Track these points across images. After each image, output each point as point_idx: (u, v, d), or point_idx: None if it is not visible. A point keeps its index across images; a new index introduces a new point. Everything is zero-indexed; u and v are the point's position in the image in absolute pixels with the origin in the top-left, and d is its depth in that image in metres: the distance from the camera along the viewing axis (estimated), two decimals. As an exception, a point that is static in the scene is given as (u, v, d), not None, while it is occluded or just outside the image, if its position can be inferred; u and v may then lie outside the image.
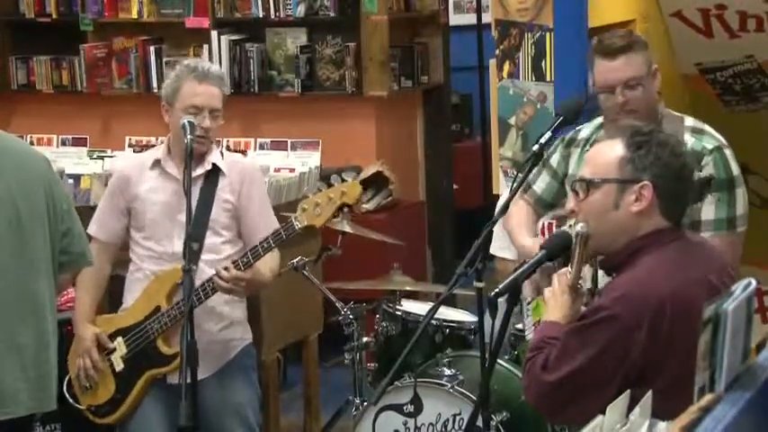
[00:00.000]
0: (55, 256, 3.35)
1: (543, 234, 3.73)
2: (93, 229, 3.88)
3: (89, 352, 3.80)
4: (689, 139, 3.32)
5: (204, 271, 3.71)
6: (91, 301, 3.87)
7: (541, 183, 3.63)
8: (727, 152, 3.38)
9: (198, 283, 3.61)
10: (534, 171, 3.63)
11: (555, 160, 3.61)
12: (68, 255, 3.41)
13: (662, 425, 1.78)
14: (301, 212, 3.60)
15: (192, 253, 3.61)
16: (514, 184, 3.09)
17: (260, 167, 4.32)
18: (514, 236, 3.55)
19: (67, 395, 3.85)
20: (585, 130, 3.57)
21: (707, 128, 3.45)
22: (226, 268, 3.65)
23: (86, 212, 3.99)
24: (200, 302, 3.65)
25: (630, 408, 1.85)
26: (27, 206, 3.27)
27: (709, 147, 3.36)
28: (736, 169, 3.38)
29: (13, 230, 3.25)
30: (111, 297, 4.03)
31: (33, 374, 3.28)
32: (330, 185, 3.63)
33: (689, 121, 3.47)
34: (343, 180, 3.67)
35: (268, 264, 3.78)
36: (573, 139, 3.57)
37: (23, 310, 3.27)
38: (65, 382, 3.84)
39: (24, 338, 3.26)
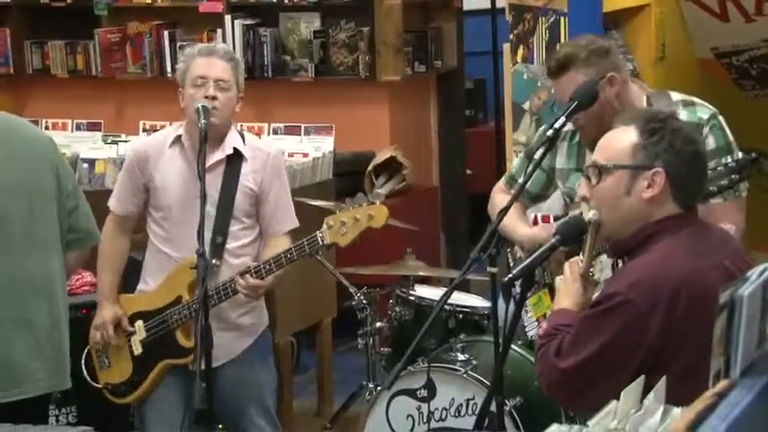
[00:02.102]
0: (63, 235, 3.37)
1: (536, 224, 3.72)
2: (112, 203, 3.88)
3: (105, 327, 3.81)
4: (682, 113, 3.32)
5: (225, 260, 3.71)
6: (113, 278, 3.87)
7: (526, 175, 3.60)
8: (720, 118, 3.41)
9: (218, 278, 3.61)
10: (517, 164, 3.64)
11: (539, 154, 3.57)
12: (75, 233, 3.43)
13: (676, 410, 1.78)
14: (327, 229, 3.60)
15: (216, 246, 3.61)
16: (529, 170, 3.08)
17: (281, 152, 4.29)
18: (510, 226, 3.52)
19: (85, 371, 3.86)
20: (570, 125, 3.49)
21: (696, 99, 3.46)
22: (244, 275, 3.63)
23: (101, 196, 3.99)
24: (219, 301, 3.65)
25: (645, 394, 1.84)
26: (36, 187, 3.29)
27: (705, 116, 3.38)
28: (730, 134, 3.39)
29: (23, 211, 3.26)
30: (125, 277, 4.02)
31: (48, 353, 3.30)
32: (359, 206, 3.60)
33: (676, 95, 3.46)
34: (371, 202, 3.65)
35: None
36: (558, 133, 3.53)
37: (36, 289, 3.28)
38: (83, 359, 3.85)
39: (37, 317, 3.28)
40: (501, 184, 3.74)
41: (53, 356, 3.32)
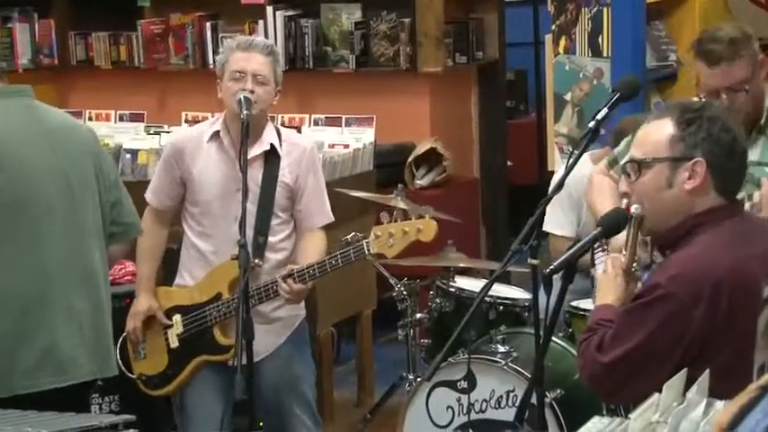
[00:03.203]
0: (105, 227, 3.40)
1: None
2: (148, 195, 3.89)
3: (136, 317, 3.83)
4: None
5: (266, 258, 3.71)
6: (150, 270, 3.89)
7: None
8: None
9: (259, 278, 3.62)
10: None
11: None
12: (119, 225, 3.46)
13: (719, 404, 1.76)
14: (374, 239, 3.59)
15: (258, 246, 3.61)
16: (570, 162, 3.06)
17: (316, 146, 4.29)
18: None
19: (119, 360, 3.88)
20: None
21: None
22: (286, 278, 3.63)
23: (144, 187, 4.01)
24: (260, 302, 3.66)
25: (687, 387, 1.83)
26: (77, 178, 3.33)
27: None
28: None
29: (65, 200, 3.30)
30: (164, 267, 4.04)
31: (91, 339, 3.33)
32: (407, 217, 3.59)
33: None
34: (420, 216, 3.63)
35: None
36: None
37: (78, 277, 3.32)
38: (118, 348, 3.87)
39: (80, 304, 3.31)
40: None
41: (96, 343, 3.35)
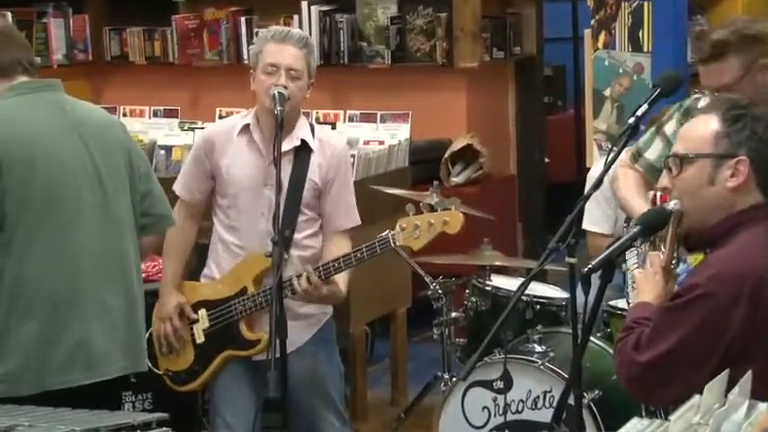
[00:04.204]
0: (137, 219, 3.41)
1: (654, 205, 3.66)
2: (177, 188, 3.89)
3: (171, 319, 3.84)
4: None
5: (291, 253, 3.71)
6: (177, 266, 3.88)
7: (654, 150, 3.55)
8: None
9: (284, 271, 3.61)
10: (646, 138, 3.56)
11: (670, 128, 3.52)
12: (151, 216, 3.46)
13: (762, 406, 1.75)
14: (399, 231, 3.58)
15: (284, 239, 3.60)
16: (609, 158, 3.04)
17: (348, 146, 4.28)
18: (630, 204, 3.46)
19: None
20: (706, 99, 3.48)
21: None
22: (300, 276, 3.60)
23: (178, 184, 4.01)
24: (284, 296, 3.65)
25: (729, 388, 1.81)
26: (109, 171, 3.34)
27: None
28: None
29: (97, 195, 3.31)
30: (191, 264, 4.05)
31: (124, 335, 3.34)
32: (433, 209, 3.58)
33: None
34: (446, 208, 3.61)
35: (344, 277, 3.72)
36: (692, 109, 3.49)
37: (111, 271, 3.33)
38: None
39: (113, 299, 3.32)
40: (626, 158, 3.58)
41: (128, 339, 3.36)
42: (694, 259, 3.27)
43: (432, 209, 3.57)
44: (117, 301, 3.33)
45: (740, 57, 3.26)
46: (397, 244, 3.58)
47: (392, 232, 3.58)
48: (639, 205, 3.41)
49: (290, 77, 3.64)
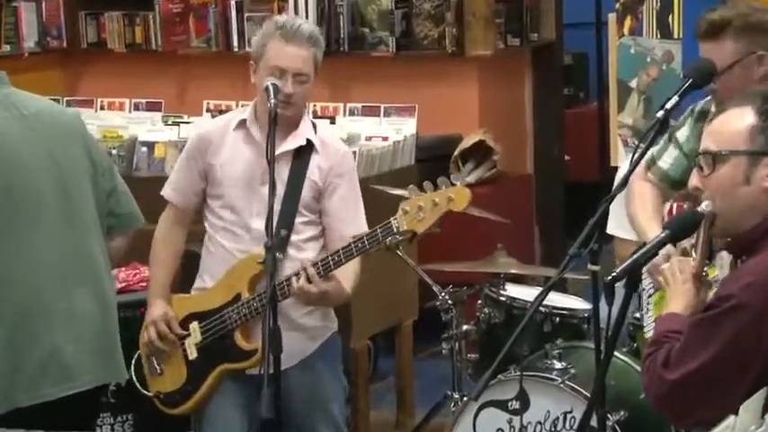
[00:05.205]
0: (102, 218, 3.42)
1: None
2: (167, 192, 3.91)
3: (156, 324, 3.84)
4: None
5: (288, 254, 3.73)
6: (165, 276, 3.90)
7: (668, 158, 3.58)
8: None
9: (280, 274, 3.63)
10: (659, 144, 3.58)
11: (683, 135, 3.55)
12: (117, 217, 3.48)
13: (802, 428, 1.76)
14: (402, 215, 3.60)
15: (280, 240, 3.62)
16: (636, 156, 3.06)
17: (348, 142, 4.30)
18: (641, 224, 3.49)
19: (134, 378, 3.91)
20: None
21: None
22: (298, 274, 3.63)
23: (161, 183, 4.03)
24: (283, 297, 3.67)
25: (766, 407, 1.83)
26: (69, 165, 3.35)
27: None
28: None
29: (58, 192, 3.32)
30: (183, 272, 4.07)
31: (97, 342, 3.35)
32: (436, 187, 3.60)
33: None
34: (452, 183, 3.63)
35: (349, 276, 3.74)
36: (705, 112, 3.50)
37: (79, 274, 3.34)
38: (132, 364, 3.90)
39: (83, 304, 3.33)
40: (640, 168, 3.59)
41: (102, 347, 3.37)
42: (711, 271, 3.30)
43: (436, 187, 3.59)
44: (87, 306, 3.34)
45: (736, 41, 3.31)
46: (401, 229, 3.60)
47: (394, 217, 3.60)
48: (650, 227, 3.43)
49: (297, 82, 3.69)
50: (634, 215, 3.54)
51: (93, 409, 3.50)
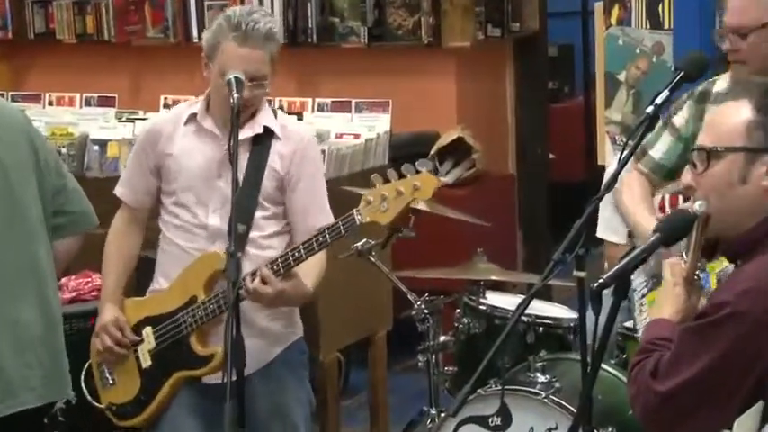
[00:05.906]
0: (48, 220, 3.41)
1: (663, 211, 3.70)
2: (119, 190, 3.92)
3: (107, 329, 3.83)
4: None
5: (247, 252, 3.74)
6: (117, 280, 3.90)
7: (661, 146, 3.59)
8: None
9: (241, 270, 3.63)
10: (653, 131, 3.59)
11: (681, 118, 3.56)
12: (66, 215, 3.47)
13: (800, 444, 1.77)
14: (365, 205, 3.60)
15: (238, 236, 3.63)
16: (624, 155, 3.07)
17: (317, 140, 4.31)
18: (634, 218, 3.51)
19: (85, 389, 3.90)
20: (722, 83, 3.52)
21: None
22: (254, 273, 3.62)
23: (114, 184, 4.04)
24: (240, 299, 3.67)
25: (763, 423, 1.84)
26: (12, 163, 3.34)
27: None
28: None
29: (1, 194, 3.31)
30: (138, 279, 4.06)
31: (42, 357, 3.34)
32: (401, 176, 3.59)
33: None
34: (417, 171, 3.61)
35: (310, 272, 3.75)
36: (706, 93, 3.52)
37: (23, 283, 3.33)
38: (82, 376, 3.89)
39: (27, 316, 3.32)
40: (629, 164, 3.63)
41: (48, 361, 3.36)
42: (711, 268, 3.31)
43: (401, 176, 3.58)
44: (31, 317, 3.33)
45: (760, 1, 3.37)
46: (364, 221, 3.60)
47: (356, 209, 3.60)
48: (645, 218, 3.45)
49: (255, 86, 3.69)
50: (620, 202, 3.56)
51: (37, 429, 3.49)
